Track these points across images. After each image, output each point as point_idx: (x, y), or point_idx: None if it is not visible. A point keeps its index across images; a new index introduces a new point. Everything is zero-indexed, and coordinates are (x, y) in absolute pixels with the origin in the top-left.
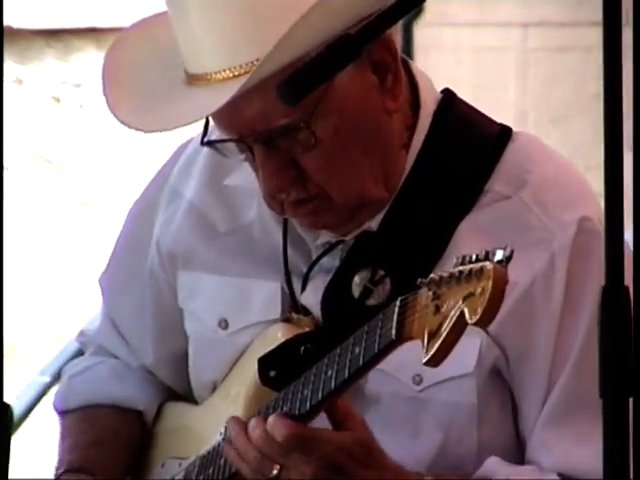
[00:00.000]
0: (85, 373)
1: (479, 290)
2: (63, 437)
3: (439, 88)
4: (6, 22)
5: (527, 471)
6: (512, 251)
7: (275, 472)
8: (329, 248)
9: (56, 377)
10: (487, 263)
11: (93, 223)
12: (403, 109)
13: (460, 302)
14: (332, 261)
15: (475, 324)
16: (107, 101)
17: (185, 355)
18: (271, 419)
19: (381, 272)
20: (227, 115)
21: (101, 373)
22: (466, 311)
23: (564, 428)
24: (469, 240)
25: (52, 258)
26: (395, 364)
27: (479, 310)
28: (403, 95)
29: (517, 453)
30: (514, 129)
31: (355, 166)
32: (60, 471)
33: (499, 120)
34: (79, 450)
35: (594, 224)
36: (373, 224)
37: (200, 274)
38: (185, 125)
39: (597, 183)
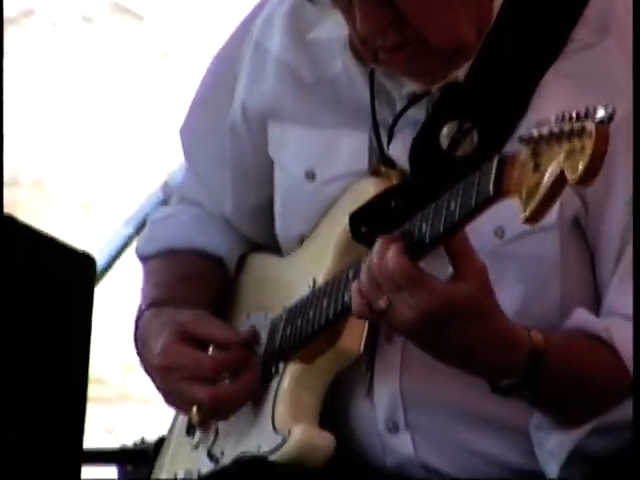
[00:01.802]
0: (168, 219)
1: (580, 149)
2: (147, 278)
3: None
4: None
5: (617, 323)
6: (614, 109)
7: (383, 305)
8: (414, 99)
9: (139, 228)
10: (589, 121)
11: (177, 74)
12: None
13: (560, 160)
14: (418, 113)
15: (575, 183)
16: None
17: (265, 208)
18: (391, 247)
19: (468, 123)
20: None
21: (183, 219)
22: (567, 170)
23: None
24: (555, 89)
25: (136, 110)
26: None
27: (580, 169)
28: None
29: (597, 309)
30: None
31: (452, 7)
32: (144, 306)
33: None
34: (163, 285)
35: None
36: (460, 74)
37: (288, 126)
38: None
39: None
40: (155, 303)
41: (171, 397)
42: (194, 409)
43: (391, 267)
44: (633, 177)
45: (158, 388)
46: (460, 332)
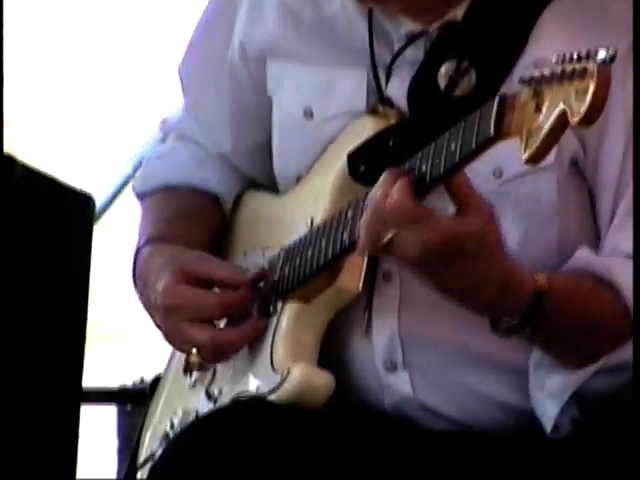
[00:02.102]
0: (165, 157)
1: (582, 90)
2: (144, 215)
3: None
4: None
5: (618, 262)
6: (616, 51)
7: (386, 239)
8: (412, 39)
9: (138, 168)
10: (590, 62)
11: (175, 12)
12: None
13: (562, 101)
14: (416, 52)
15: (577, 124)
16: None
17: (264, 146)
18: (397, 184)
19: (466, 62)
20: None
21: (181, 157)
22: (568, 111)
23: None
24: (552, 27)
25: (134, 48)
26: None
27: (582, 110)
28: None
29: (595, 251)
30: None
31: None
32: (141, 242)
33: None
34: (160, 222)
35: None
36: (458, 13)
37: (286, 64)
38: None
39: None
40: (152, 239)
41: (172, 337)
42: (194, 351)
43: (394, 205)
44: (633, 178)
45: (159, 327)
46: (464, 268)
